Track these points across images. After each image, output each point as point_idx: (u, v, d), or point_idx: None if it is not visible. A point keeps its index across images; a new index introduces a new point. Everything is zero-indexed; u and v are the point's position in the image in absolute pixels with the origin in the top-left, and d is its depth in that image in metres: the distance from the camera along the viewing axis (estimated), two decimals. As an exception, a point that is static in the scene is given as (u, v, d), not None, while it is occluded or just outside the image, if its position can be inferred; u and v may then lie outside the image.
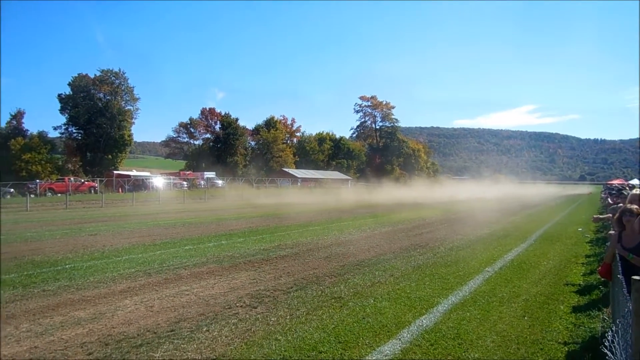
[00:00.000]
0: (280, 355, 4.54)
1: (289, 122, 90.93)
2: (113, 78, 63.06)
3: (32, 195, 38.50)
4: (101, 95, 61.91)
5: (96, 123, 59.84)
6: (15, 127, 58.14)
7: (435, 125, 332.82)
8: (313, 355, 4.56)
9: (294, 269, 8.83)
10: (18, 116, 59.29)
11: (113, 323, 5.47)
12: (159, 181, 52.82)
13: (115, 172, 54.58)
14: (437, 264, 9.39)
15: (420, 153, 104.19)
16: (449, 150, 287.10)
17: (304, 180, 72.38)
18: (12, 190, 42.17)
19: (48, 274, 8.30)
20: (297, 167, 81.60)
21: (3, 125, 58.47)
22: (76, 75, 61.60)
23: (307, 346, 4.77)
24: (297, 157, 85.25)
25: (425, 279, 7.96)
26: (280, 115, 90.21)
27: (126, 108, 63.78)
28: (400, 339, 4.96)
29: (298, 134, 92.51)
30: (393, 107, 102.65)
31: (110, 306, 6.20)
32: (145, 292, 6.94)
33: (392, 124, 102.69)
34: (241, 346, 4.76)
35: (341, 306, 6.24)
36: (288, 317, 5.77)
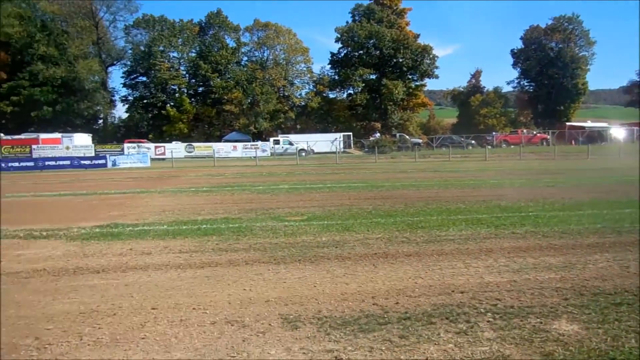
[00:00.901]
0: None
1: None
2: (566, 24, 60.03)
3: (489, 147, 42.68)
4: (553, 44, 60.43)
5: (547, 74, 59.17)
6: (474, 85, 65.43)
7: None
8: None
9: None
10: (476, 75, 66.47)
11: (585, 275, 5.41)
12: (618, 132, 47.31)
13: (567, 123, 52.73)
14: None
15: None
16: None
17: None
18: (473, 141, 48.36)
19: (514, 218, 9.04)
20: None
21: (464, 84, 67.10)
22: (527, 27, 62.53)
23: None
24: None
25: None
26: None
27: (580, 54, 59.74)
28: None
29: None
30: None
31: (578, 258, 6.15)
32: (616, 251, 6.46)
33: None
34: None
35: None
36: None
